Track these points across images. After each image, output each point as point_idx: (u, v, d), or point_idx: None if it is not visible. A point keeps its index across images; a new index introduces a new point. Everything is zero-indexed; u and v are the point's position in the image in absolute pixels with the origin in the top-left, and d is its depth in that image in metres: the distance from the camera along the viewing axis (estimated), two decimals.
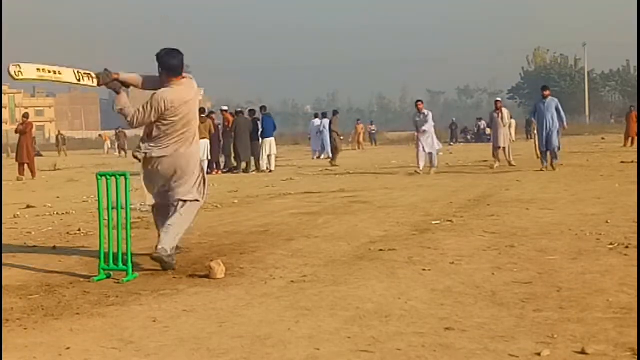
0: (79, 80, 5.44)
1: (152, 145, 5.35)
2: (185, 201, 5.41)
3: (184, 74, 5.41)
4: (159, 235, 5.38)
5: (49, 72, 5.33)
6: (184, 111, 5.31)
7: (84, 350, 3.33)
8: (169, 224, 5.33)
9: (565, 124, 14.90)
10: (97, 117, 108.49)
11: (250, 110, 20.42)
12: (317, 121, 27.33)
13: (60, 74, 5.38)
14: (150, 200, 5.55)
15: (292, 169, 19.42)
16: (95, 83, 5.47)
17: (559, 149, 14.88)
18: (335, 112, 23.24)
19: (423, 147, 15.47)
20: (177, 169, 5.36)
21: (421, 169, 15.38)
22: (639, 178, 10.48)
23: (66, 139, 50.65)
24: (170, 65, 5.33)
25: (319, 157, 26.07)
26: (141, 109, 5.25)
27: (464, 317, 3.65)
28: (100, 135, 58.30)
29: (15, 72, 5.13)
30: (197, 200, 5.51)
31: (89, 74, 5.48)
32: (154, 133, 5.36)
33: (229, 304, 4.12)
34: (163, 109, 5.21)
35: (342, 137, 23.53)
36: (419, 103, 16.18)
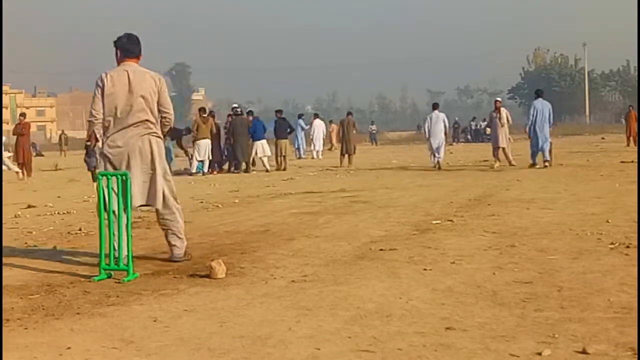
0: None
1: (107, 141, 5.32)
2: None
3: (137, 62, 5.45)
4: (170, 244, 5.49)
5: None
6: (120, 90, 5.25)
7: (85, 350, 3.32)
8: (172, 230, 5.44)
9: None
10: None
11: (249, 111, 20.57)
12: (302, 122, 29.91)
13: None
14: (137, 201, 5.34)
15: (293, 169, 19.42)
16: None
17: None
18: (349, 113, 23.38)
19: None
20: (132, 156, 5.26)
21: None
22: (639, 178, 10.48)
23: (69, 138, 50.62)
24: (120, 43, 5.45)
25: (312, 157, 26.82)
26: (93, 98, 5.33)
27: (465, 317, 3.65)
28: None
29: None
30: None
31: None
32: (105, 125, 5.32)
33: (230, 304, 4.12)
34: (100, 84, 5.27)
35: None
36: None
